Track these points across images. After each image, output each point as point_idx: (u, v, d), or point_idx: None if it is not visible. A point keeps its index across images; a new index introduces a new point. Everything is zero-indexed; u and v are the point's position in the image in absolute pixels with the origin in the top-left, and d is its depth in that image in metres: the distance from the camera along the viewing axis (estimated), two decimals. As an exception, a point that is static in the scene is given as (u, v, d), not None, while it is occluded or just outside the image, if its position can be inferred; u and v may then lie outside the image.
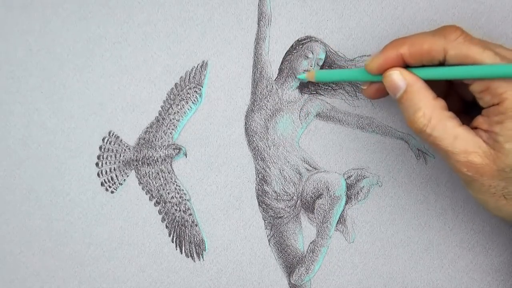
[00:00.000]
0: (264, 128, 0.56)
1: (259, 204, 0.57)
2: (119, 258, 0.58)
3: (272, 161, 0.56)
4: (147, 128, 0.57)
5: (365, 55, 0.55)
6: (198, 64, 0.57)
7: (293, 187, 0.56)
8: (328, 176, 0.55)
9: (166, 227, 0.57)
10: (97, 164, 0.58)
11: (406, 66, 0.46)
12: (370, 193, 0.55)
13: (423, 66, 0.46)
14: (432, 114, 0.44)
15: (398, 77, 0.45)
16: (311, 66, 0.55)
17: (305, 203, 0.56)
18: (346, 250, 0.56)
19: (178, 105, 0.57)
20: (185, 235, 0.57)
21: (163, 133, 0.57)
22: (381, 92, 0.49)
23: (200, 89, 0.57)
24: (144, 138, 0.58)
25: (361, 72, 0.49)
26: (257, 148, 0.56)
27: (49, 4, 0.58)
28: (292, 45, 0.55)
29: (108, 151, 0.58)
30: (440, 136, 0.44)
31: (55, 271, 0.59)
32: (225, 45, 0.56)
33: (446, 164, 0.45)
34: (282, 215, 0.56)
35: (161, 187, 0.57)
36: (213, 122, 0.57)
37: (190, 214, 0.57)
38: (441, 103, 0.45)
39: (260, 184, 0.56)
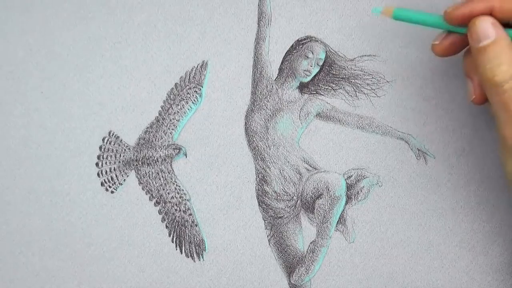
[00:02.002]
0: (264, 128, 0.56)
1: (259, 204, 0.56)
2: (119, 258, 0.58)
3: (272, 161, 0.56)
4: (147, 128, 0.57)
5: (365, 55, 0.55)
6: (198, 64, 0.57)
7: (293, 187, 0.56)
8: (328, 176, 0.55)
9: (166, 227, 0.57)
10: (97, 164, 0.58)
11: None
12: (370, 193, 0.55)
13: (508, 24, 0.44)
14: None
15: (489, 26, 0.44)
16: (311, 66, 0.55)
17: (305, 203, 0.56)
18: (346, 250, 0.56)
19: (178, 105, 0.57)
20: (185, 235, 0.57)
21: (163, 133, 0.57)
22: (454, 48, 0.47)
23: (200, 89, 0.57)
24: (144, 138, 0.58)
25: (441, 19, 0.46)
26: (257, 148, 0.56)
27: (49, 4, 0.58)
28: (292, 45, 0.55)
29: (108, 151, 0.58)
30: None
31: (55, 271, 0.59)
32: (225, 45, 0.56)
33: (498, 128, 0.44)
34: (282, 215, 0.56)
35: (161, 187, 0.57)
36: (213, 122, 0.57)
37: (190, 214, 0.57)
38: None
39: (260, 184, 0.56)
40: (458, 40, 0.47)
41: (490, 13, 0.44)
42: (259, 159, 0.56)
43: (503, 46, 0.44)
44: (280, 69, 0.56)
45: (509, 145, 0.44)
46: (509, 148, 0.44)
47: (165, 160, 0.57)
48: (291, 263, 0.56)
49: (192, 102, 0.57)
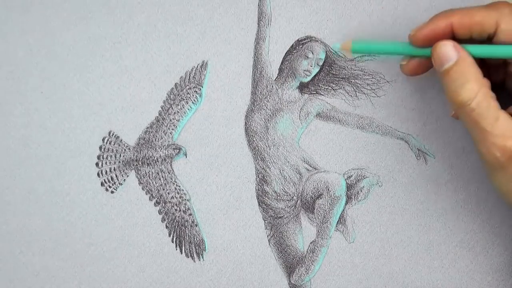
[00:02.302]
0: (264, 128, 0.56)
1: (259, 204, 0.57)
2: (119, 258, 0.58)
3: (272, 161, 0.56)
4: (147, 128, 0.57)
5: (365, 55, 0.55)
6: (198, 64, 0.57)
7: (293, 187, 0.56)
8: (328, 176, 0.55)
9: (166, 227, 0.57)
10: (97, 164, 0.58)
11: (453, 39, 0.45)
12: (370, 193, 0.55)
13: (470, 39, 0.45)
14: (479, 90, 0.43)
15: (450, 49, 0.44)
16: (311, 66, 0.55)
17: (305, 203, 0.56)
18: (346, 250, 0.56)
19: (178, 105, 0.57)
20: (185, 235, 0.57)
21: (163, 133, 0.57)
22: (422, 68, 0.48)
23: (200, 89, 0.57)
24: (144, 138, 0.58)
25: (402, 45, 0.47)
26: (257, 148, 0.56)
27: (49, 4, 0.58)
28: (292, 45, 0.55)
29: (108, 151, 0.58)
30: (483, 114, 0.43)
31: (55, 271, 0.59)
32: (225, 45, 0.56)
33: (475, 145, 0.45)
34: (282, 215, 0.56)
35: (161, 187, 0.57)
36: (213, 122, 0.57)
37: (190, 214, 0.57)
38: (487, 82, 0.44)
39: (260, 184, 0.56)
40: (424, 60, 0.48)
41: (452, 30, 0.45)
42: (259, 159, 0.56)
43: (466, 65, 0.44)
44: (280, 69, 0.56)
45: (487, 161, 0.44)
46: (489, 164, 0.44)
47: (165, 160, 0.57)
48: (291, 263, 0.56)
49: (192, 102, 0.57)
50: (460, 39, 0.46)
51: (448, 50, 0.45)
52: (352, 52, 0.50)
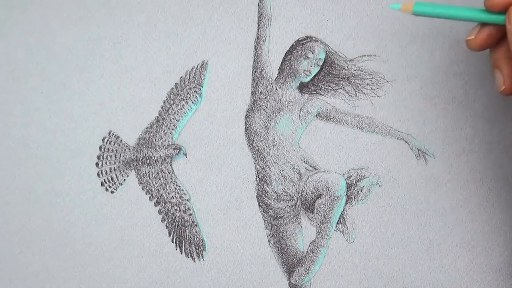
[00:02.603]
0: (264, 128, 0.56)
1: (259, 204, 0.56)
2: (119, 258, 0.58)
3: (272, 161, 0.56)
4: (147, 128, 0.57)
5: (365, 55, 0.55)
6: (198, 64, 0.57)
7: (293, 187, 0.56)
8: (328, 176, 0.55)
9: (166, 227, 0.57)
10: (97, 164, 0.58)
11: None
12: (370, 193, 0.55)
13: None
14: None
15: None
16: (311, 66, 0.55)
17: (305, 203, 0.56)
18: (346, 250, 0.56)
19: (178, 105, 0.57)
20: (185, 235, 0.57)
21: (163, 133, 0.57)
22: (491, 40, 0.45)
23: (200, 89, 0.56)
24: (144, 138, 0.58)
25: (471, 10, 0.44)
26: (257, 148, 0.56)
27: (49, 4, 0.58)
28: (292, 45, 0.55)
29: (108, 151, 0.58)
30: None
31: (55, 271, 0.59)
32: (225, 45, 0.56)
33: None
34: (282, 215, 0.56)
35: (161, 187, 0.57)
36: (213, 122, 0.57)
37: (190, 214, 0.57)
38: None
39: (260, 184, 0.56)
40: (494, 31, 0.45)
41: None
42: (259, 159, 0.56)
43: None
44: (280, 69, 0.56)
45: None
46: None
47: (165, 160, 0.57)
48: (291, 263, 0.56)
49: (192, 102, 0.57)
50: None
51: None
52: (413, 13, 0.45)
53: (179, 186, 0.57)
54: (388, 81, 0.55)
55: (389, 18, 0.54)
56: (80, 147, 0.58)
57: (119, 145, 0.58)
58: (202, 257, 0.57)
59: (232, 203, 0.57)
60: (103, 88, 0.58)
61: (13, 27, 0.58)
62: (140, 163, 0.58)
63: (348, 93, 0.55)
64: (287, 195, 0.56)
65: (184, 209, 0.57)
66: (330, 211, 0.55)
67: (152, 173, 0.57)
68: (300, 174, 0.56)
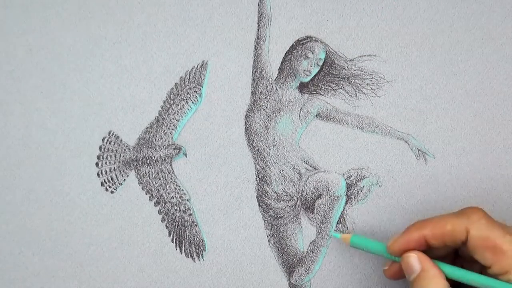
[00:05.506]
0: (264, 128, 0.56)
1: (259, 204, 0.57)
2: (119, 258, 0.58)
3: (272, 161, 0.56)
4: (147, 128, 0.57)
5: (365, 55, 0.55)
6: (198, 64, 0.57)
7: (293, 187, 0.56)
8: (328, 176, 0.55)
9: (166, 227, 0.57)
10: (97, 164, 0.58)
11: (429, 247, 0.47)
12: (370, 193, 0.55)
13: (445, 245, 0.47)
14: None
15: (414, 260, 0.47)
16: (311, 66, 0.55)
17: (305, 203, 0.56)
18: (346, 250, 0.56)
19: (178, 105, 0.57)
20: (185, 235, 0.57)
21: (163, 133, 0.57)
22: (401, 273, 0.49)
23: (200, 89, 0.57)
24: (144, 138, 0.58)
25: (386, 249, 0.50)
26: (257, 148, 0.56)
27: (49, 4, 0.58)
28: (292, 45, 0.55)
29: (108, 151, 0.58)
30: None
31: (55, 271, 0.59)
32: (225, 45, 0.56)
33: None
34: (282, 215, 0.56)
35: (161, 187, 0.57)
36: (213, 122, 0.57)
37: (190, 214, 0.57)
38: None
39: (260, 184, 0.56)
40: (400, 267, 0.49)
41: (425, 241, 0.47)
42: (259, 159, 0.56)
43: (427, 277, 0.46)
44: (280, 69, 0.56)
45: None
46: None
47: (165, 160, 0.57)
48: (291, 263, 0.56)
49: (192, 102, 0.57)
50: (435, 247, 0.47)
51: (412, 261, 0.47)
52: (350, 245, 0.52)
53: (179, 186, 0.57)
54: (388, 81, 0.55)
55: (389, 18, 0.54)
56: (80, 147, 0.58)
57: (119, 145, 0.58)
58: (202, 257, 0.57)
59: (232, 203, 0.57)
60: (103, 88, 0.58)
61: (13, 27, 0.58)
62: (140, 163, 0.58)
63: (348, 93, 0.55)
64: (287, 195, 0.56)
65: (184, 209, 0.57)
66: (330, 211, 0.55)
67: (152, 173, 0.57)
68: (300, 174, 0.56)
